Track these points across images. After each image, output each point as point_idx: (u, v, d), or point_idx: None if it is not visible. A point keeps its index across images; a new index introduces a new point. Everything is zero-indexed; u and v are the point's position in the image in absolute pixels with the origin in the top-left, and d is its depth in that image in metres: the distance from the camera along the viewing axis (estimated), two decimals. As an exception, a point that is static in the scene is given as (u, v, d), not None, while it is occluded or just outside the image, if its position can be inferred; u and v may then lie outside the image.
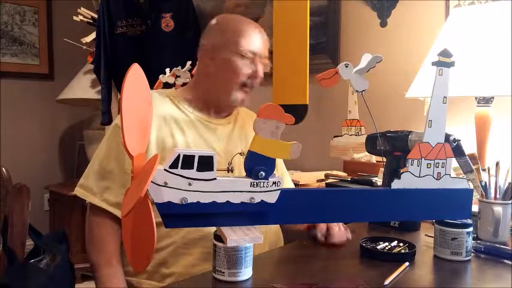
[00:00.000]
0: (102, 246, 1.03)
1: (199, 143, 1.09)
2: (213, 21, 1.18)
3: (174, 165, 0.67)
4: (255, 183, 0.71)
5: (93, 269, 1.02)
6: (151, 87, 1.13)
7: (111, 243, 1.03)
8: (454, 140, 0.91)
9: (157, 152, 0.99)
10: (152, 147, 1.03)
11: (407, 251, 0.89)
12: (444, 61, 0.82)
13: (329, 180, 1.53)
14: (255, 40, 1.12)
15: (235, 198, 0.71)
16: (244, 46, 1.10)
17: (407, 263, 0.83)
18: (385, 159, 1.05)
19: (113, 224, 1.04)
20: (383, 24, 1.96)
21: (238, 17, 1.19)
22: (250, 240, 0.70)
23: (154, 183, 0.66)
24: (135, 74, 0.68)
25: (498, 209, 0.97)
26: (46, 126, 3.24)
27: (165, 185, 0.66)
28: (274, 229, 1.16)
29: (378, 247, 0.91)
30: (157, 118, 1.06)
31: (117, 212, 1.04)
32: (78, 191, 1.07)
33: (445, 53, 0.82)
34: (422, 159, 0.82)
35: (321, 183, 1.63)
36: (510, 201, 0.99)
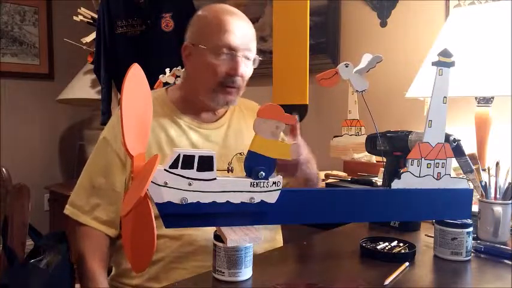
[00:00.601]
0: (84, 260, 1.01)
1: None
2: (194, 16, 1.09)
3: (174, 165, 0.67)
4: (255, 183, 0.71)
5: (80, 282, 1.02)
6: (151, 87, 1.12)
7: (92, 257, 1.01)
8: (454, 140, 0.91)
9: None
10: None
11: (407, 251, 0.89)
12: (444, 61, 0.82)
13: (329, 180, 1.53)
14: (232, 33, 1.00)
15: (235, 198, 0.71)
16: (219, 42, 0.99)
17: (407, 263, 0.83)
18: (385, 159, 1.05)
19: (100, 236, 1.03)
20: (383, 24, 1.96)
21: (217, 8, 1.06)
22: (250, 240, 0.70)
23: (154, 183, 0.66)
24: (135, 74, 0.68)
25: (498, 209, 0.97)
26: (46, 126, 3.25)
27: (165, 185, 0.66)
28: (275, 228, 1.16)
29: (378, 247, 0.91)
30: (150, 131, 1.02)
31: (109, 231, 1.03)
32: (68, 210, 1.06)
33: (445, 53, 0.82)
34: (422, 159, 0.82)
35: (321, 184, 1.63)
36: (510, 201, 0.99)
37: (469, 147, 1.21)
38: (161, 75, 1.62)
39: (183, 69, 1.56)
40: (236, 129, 1.13)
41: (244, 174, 0.73)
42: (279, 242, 1.16)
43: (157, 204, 0.67)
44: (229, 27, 1.00)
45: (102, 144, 1.07)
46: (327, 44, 2.14)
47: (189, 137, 1.06)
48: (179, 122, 1.07)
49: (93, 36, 2.66)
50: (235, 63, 1.01)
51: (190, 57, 1.05)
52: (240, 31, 1.02)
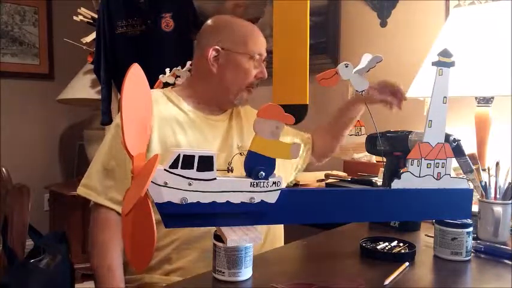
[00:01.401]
0: (104, 250, 1.01)
1: (200, 140, 1.09)
2: (213, 22, 1.17)
3: (174, 165, 0.67)
4: (255, 183, 0.71)
5: (94, 273, 1.01)
6: (151, 87, 1.13)
7: (114, 248, 1.01)
8: (454, 140, 0.91)
9: (160, 152, 1.00)
10: (154, 148, 1.03)
11: (407, 251, 0.89)
12: (444, 61, 0.82)
13: (329, 180, 1.53)
14: (260, 42, 1.15)
15: (235, 198, 0.71)
16: (252, 48, 1.12)
17: (407, 263, 0.83)
18: (385, 159, 1.05)
19: (118, 223, 1.03)
20: (383, 24, 1.96)
21: (238, 19, 1.19)
22: (250, 240, 0.70)
23: (154, 183, 0.66)
24: (135, 74, 0.68)
25: (498, 209, 0.97)
26: (46, 126, 3.25)
27: (165, 185, 0.66)
28: (277, 228, 1.16)
29: (378, 247, 0.91)
30: (158, 118, 1.06)
31: None
32: (81, 190, 1.06)
33: (445, 53, 0.82)
34: (422, 159, 0.82)
35: (321, 183, 1.63)
36: (510, 201, 0.99)
37: (469, 147, 1.21)
38: (161, 75, 1.62)
39: (183, 69, 1.56)
40: (236, 123, 1.20)
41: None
42: (279, 241, 1.17)
43: (157, 204, 0.67)
44: (258, 36, 1.16)
45: (116, 130, 1.08)
46: (327, 44, 2.14)
47: (197, 125, 1.12)
48: (188, 112, 1.13)
49: (93, 36, 2.66)
50: (262, 68, 1.16)
51: (219, 60, 1.13)
52: (263, 39, 1.17)
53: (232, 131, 1.17)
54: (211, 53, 1.11)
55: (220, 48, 1.11)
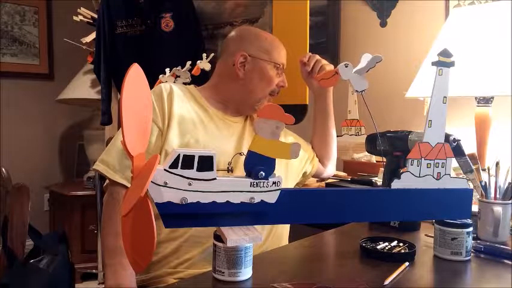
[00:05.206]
0: (118, 229, 0.99)
1: (219, 137, 1.14)
2: (240, 31, 1.25)
3: (174, 165, 0.67)
4: (255, 183, 0.71)
5: (105, 254, 1.00)
6: (151, 87, 1.13)
7: None
8: (454, 140, 0.91)
9: (179, 145, 1.05)
10: (173, 140, 1.06)
11: (407, 251, 0.89)
12: (444, 61, 0.82)
13: (329, 180, 1.53)
14: (283, 53, 1.24)
15: (235, 198, 0.71)
16: (277, 58, 1.21)
17: (407, 263, 0.83)
18: (385, 159, 1.05)
19: None
20: (383, 24, 1.96)
21: (262, 31, 1.27)
22: (250, 240, 0.70)
23: (154, 183, 0.66)
24: (135, 74, 0.68)
25: (498, 209, 0.97)
26: (46, 126, 3.25)
27: (165, 185, 0.66)
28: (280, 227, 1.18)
29: (378, 247, 0.91)
30: (180, 111, 1.10)
31: None
32: (98, 166, 1.05)
33: (445, 53, 0.82)
34: (422, 159, 0.82)
35: (321, 183, 1.63)
36: (510, 201, 0.99)
37: (469, 147, 1.21)
38: (161, 75, 1.62)
39: (183, 69, 1.56)
40: (251, 126, 1.26)
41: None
42: (284, 241, 1.20)
43: (157, 204, 0.67)
44: (281, 47, 1.24)
45: None
46: (327, 44, 2.14)
47: (216, 122, 1.17)
48: (209, 110, 1.18)
49: (93, 36, 2.66)
50: (284, 77, 1.24)
51: (245, 65, 1.19)
52: (285, 51, 1.25)
53: (246, 133, 1.21)
54: (239, 59, 1.18)
55: (247, 55, 1.18)
